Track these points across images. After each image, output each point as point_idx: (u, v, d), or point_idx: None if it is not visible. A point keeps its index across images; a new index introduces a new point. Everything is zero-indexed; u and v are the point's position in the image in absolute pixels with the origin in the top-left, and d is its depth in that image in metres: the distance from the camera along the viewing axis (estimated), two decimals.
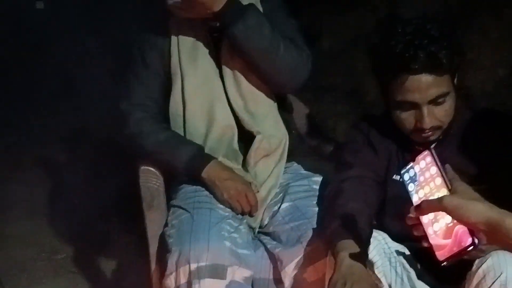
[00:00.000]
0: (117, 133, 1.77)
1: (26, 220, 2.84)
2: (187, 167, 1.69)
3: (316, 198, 1.68)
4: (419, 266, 1.41)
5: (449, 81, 1.42)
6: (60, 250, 2.65)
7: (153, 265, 1.66)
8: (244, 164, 1.76)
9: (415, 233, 0.99)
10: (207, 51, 1.73)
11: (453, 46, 1.40)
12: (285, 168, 1.78)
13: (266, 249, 1.64)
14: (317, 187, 1.72)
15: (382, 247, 1.38)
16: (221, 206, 1.67)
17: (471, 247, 0.88)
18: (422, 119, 1.41)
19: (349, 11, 3.01)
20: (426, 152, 1.03)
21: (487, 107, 1.99)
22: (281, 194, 1.73)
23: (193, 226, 1.58)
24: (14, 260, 2.57)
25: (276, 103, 1.77)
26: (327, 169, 1.73)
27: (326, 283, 1.29)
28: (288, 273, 1.54)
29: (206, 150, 1.73)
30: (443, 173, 0.99)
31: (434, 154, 1.03)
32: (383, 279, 1.32)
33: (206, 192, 1.70)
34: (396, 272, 1.35)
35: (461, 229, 0.88)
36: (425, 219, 0.96)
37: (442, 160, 1.44)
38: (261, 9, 1.71)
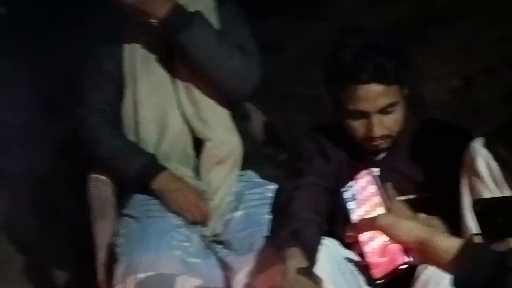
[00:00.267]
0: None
1: None
2: (138, 177, 1.68)
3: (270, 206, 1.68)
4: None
5: (398, 91, 1.46)
6: (12, 259, 2.59)
7: (100, 275, 1.64)
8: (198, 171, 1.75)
9: (354, 251, 0.99)
10: (160, 57, 1.72)
11: (400, 58, 1.46)
12: (239, 176, 1.77)
13: (218, 258, 1.63)
14: (272, 195, 1.72)
15: (332, 254, 1.39)
16: (174, 214, 1.66)
17: (405, 266, 0.88)
18: (372, 127, 1.45)
19: (313, 20, 3.03)
20: (365, 171, 1.05)
21: (435, 117, 2.05)
22: (235, 203, 1.72)
23: (143, 235, 1.56)
24: None
25: (229, 111, 1.77)
26: (283, 177, 1.73)
27: None
28: (239, 281, 1.54)
29: (160, 156, 1.71)
30: (382, 191, 1.00)
31: (374, 173, 1.05)
32: (331, 287, 1.33)
33: (158, 201, 1.68)
34: (344, 278, 1.36)
35: (395, 247, 0.89)
36: (363, 237, 0.96)
37: (391, 169, 1.49)
38: (215, 16, 1.72)
